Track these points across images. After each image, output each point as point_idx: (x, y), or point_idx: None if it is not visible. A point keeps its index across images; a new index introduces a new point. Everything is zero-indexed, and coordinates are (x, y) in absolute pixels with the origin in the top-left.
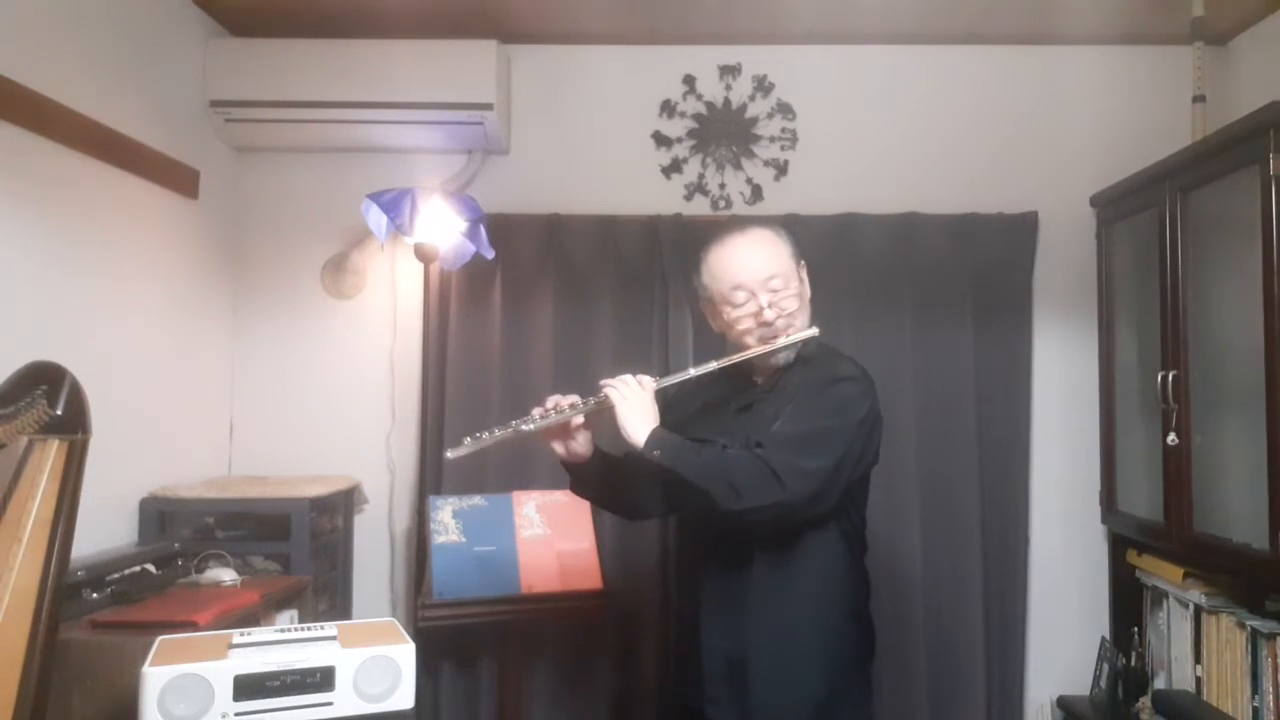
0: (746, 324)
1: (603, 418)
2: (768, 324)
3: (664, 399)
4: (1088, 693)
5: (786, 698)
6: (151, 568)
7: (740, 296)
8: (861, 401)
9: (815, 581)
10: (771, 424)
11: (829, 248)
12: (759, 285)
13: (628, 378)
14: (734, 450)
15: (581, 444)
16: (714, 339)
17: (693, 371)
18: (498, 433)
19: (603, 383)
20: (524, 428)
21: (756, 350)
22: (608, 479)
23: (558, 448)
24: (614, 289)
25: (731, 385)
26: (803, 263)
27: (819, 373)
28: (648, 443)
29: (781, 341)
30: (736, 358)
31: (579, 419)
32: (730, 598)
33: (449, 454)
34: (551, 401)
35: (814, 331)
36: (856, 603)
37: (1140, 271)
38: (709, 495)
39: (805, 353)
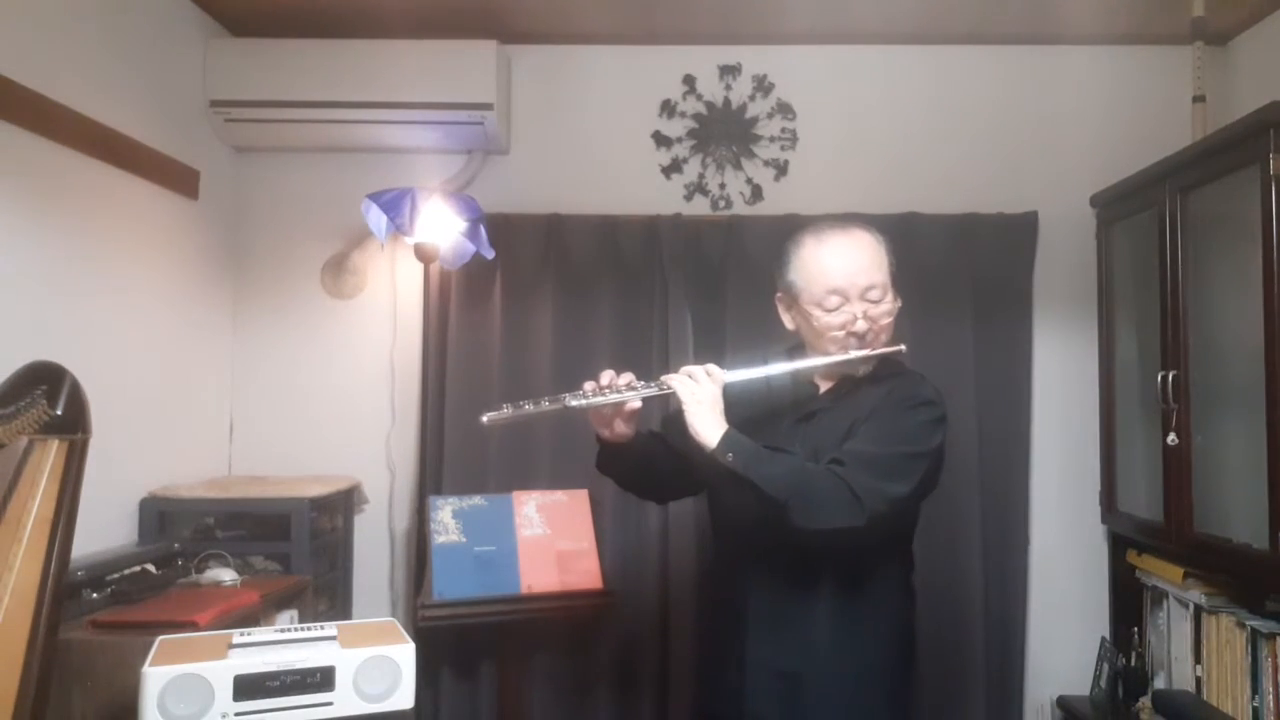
0: (834, 332)
1: (666, 408)
2: (859, 335)
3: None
4: (1088, 693)
5: None
6: (151, 568)
7: (834, 301)
8: (939, 427)
9: (881, 606)
10: (838, 436)
11: None
12: (857, 294)
13: (696, 370)
14: (813, 465)
15: (626, 427)
16: (715, 339)
17: (767, 369)
18: (545, 404)
19: (665, 377)
20: (573, 403)
21: (839, 358)
22: (641, 462)
23: (601, 429)
24: (614, 289)
25: (794, 390)
26: (894, 271)
27: (900, 392)
28: (721, 445)
29: (867, 352)
30: (815, 363)
31: (636, 404)
32: (788, 613)
33: (485, 418)
34: (606, 378)
35: (901, 348)
36: (910, 626)
37: (1140, 271)
38: (785, 508)
39: (883, 369)
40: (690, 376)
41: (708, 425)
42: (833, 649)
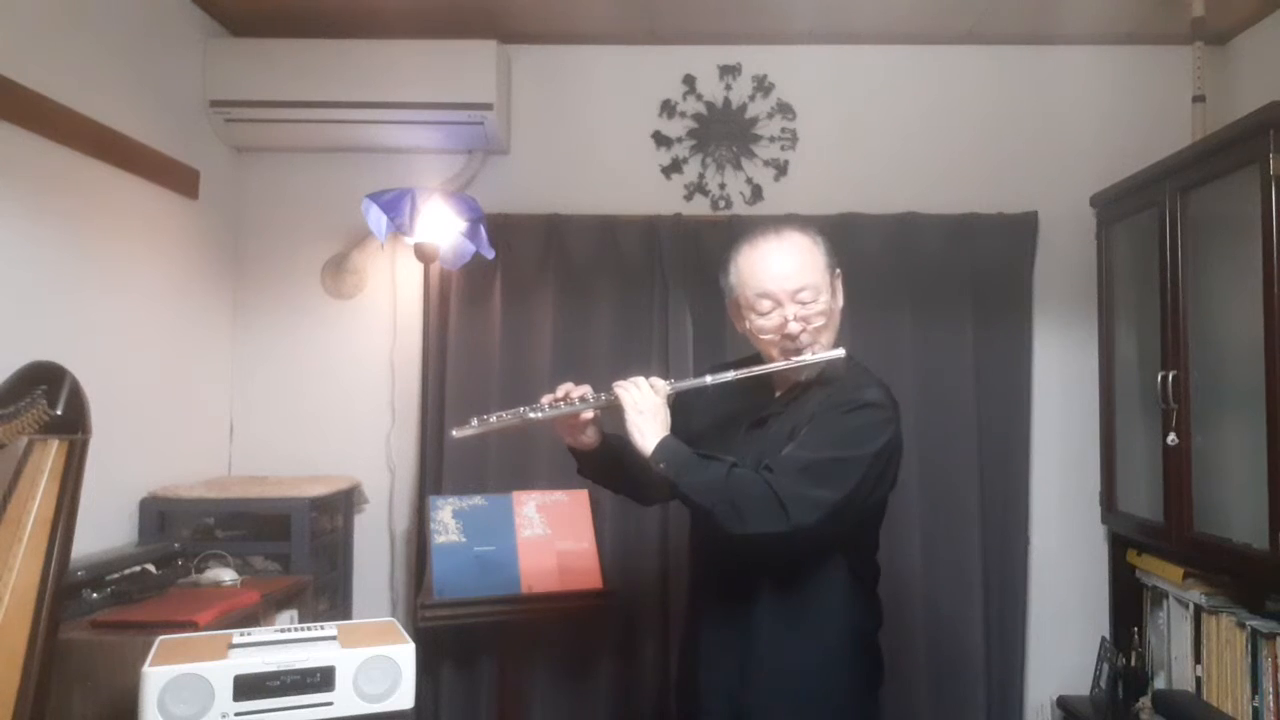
0: (769, 335)
1: (616, 414)
2: (791, 338)
3: (683, 404)
4: (1088, 693)
5: None
6: (151, 568)
7: (765, 305)
8: (880, 431)
9: (822, 620)
10: (781, 442)
11: None
12: (786, 296)
13: (640, 380)
14: (741, 471)
15: (589, 435)
16: (714, 339)
17: (709, 380)
18: (506, 416)
19: (616, 384)
20: (532, 415)
21: (775, 366)
22: (613, 467)
23: (565, 437)
24: (614, 289)
25: (750, 396)
26: (838, 272)
27: (840, 395)
28: (654, 453)
29: (804, 359)
30: (753, 370)
31: (587, 414)
32: (731, 638)
33: (454, 433)
34: (563, 390)
35: (839, 353)
36: (865, 635)
37: (1140, 271)
38: (712, 515)
39: (830, 371)
40: (635, 386)
41: (645, 434)
42: (777, 675)
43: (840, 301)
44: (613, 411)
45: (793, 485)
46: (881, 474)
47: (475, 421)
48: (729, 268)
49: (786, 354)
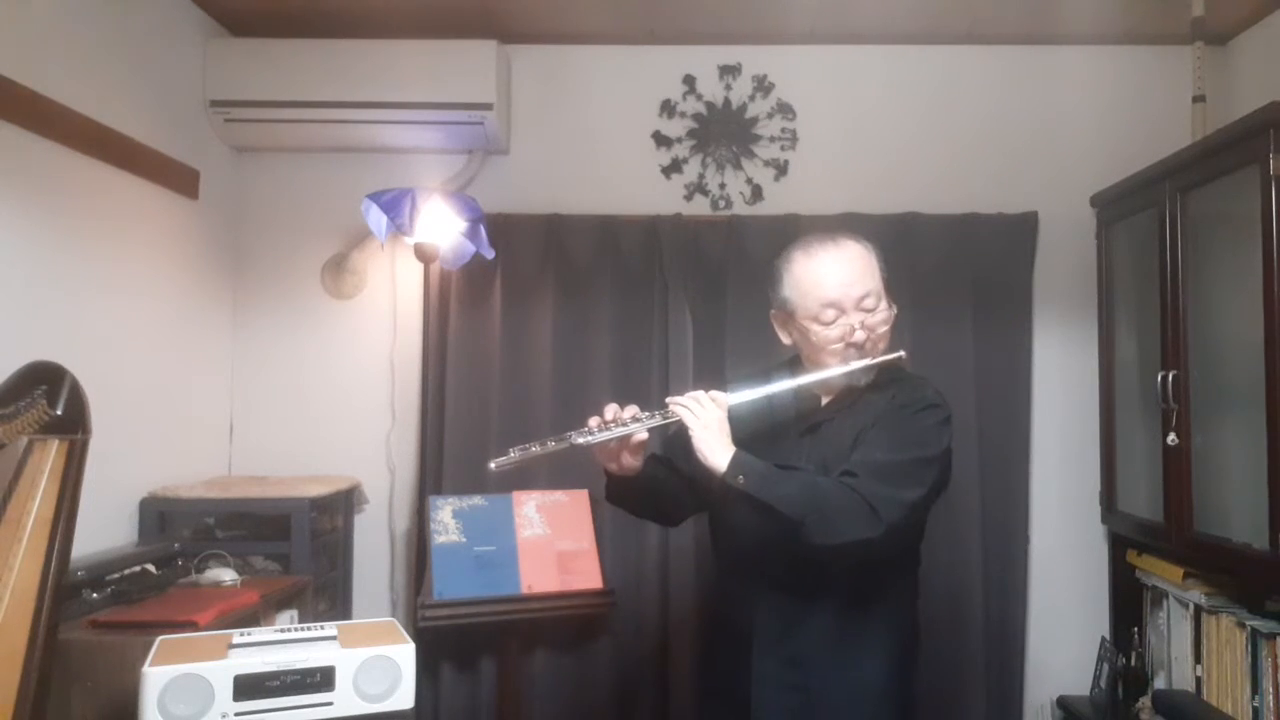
0: (834, 345)
1: (667, 434)
2: (858, 346)
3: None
4: (1088, 693)
5: None
6: (151, 568)
7: (830, 315)
8: (946, 429)
9: (891, 616)
10: (844, 447)
11: None
12: (852, 304)
13: (700, 395)
14: (824, 480)
15: (636, 458)
16: (715, 339)
17: (770, 389)
18: (551, 445)
19: (670, 400)
20: (579, 440)
21: (840, 369)
22: (653, 490)
23: (609, 463)
24: (614, 289)
25: (797, 404)
26: (886, 278)
27: (903, 397)
28: (731, 468)
29: (867, 362)
30: (817, 377)
31: (642, 435)
32: (795, 627)
33: (493, 465)
34: (610, 413)
35: (901, 355)
36: (916, 623)
37: (1140, 271)
38: (801, 526)
39: (885, 375)
40: (696, 401)
41: (715, 450)
42: (841, 661)
43: (895, 309)
44: (657, 430)
45: (879, 488)
46: (949, 470)
47: (514, 452)
48: (782, 278)
49: (844, 362)
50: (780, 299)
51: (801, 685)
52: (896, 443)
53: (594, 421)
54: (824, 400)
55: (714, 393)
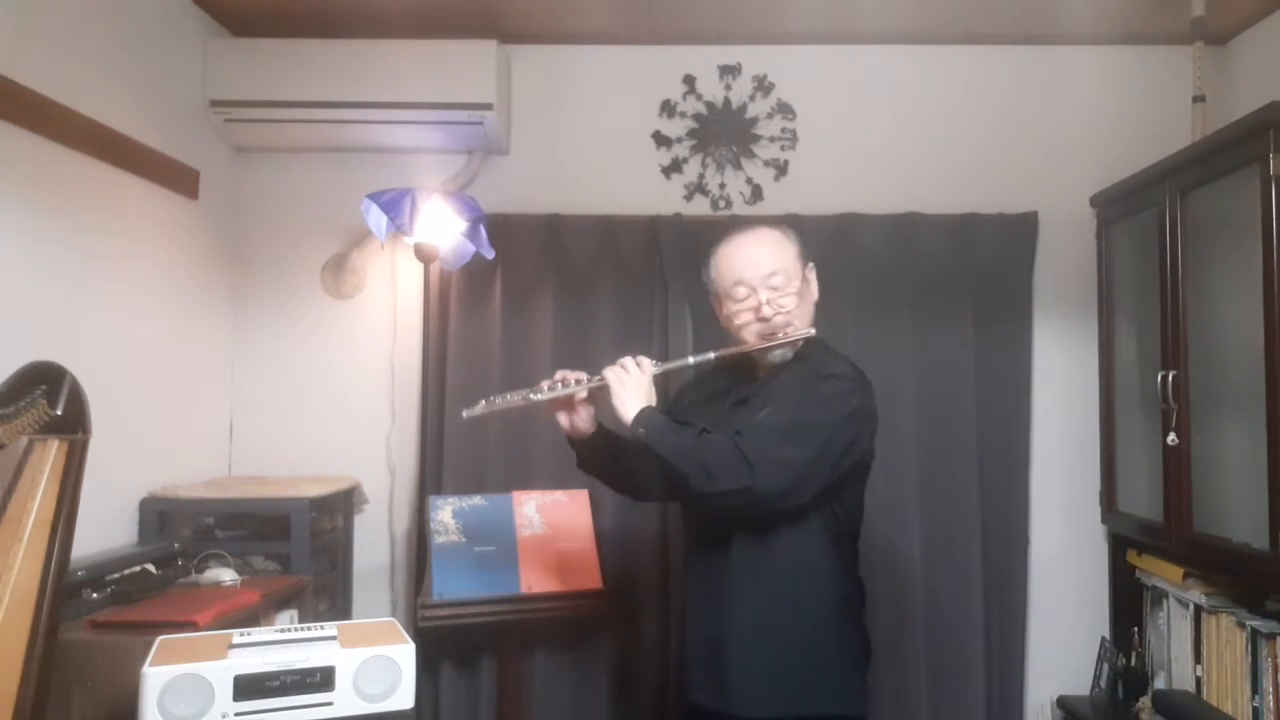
0: (745, 319)
1: (607, 398)
2: (765, 320)
3: (669, 390)
4: (1088, 693)
5: (763, 688)
6: (151, 568)
7: (741, 292)
8: (846, 398)
9: (798, 576)
10: (758, 415)
11: (829, 248)
12: (759, 282)
13: (627, 360)
14: (713, 435)
15: (584, 419)
16: (715, 337)
17: (691, 360)
18: (510, 397)
19: (606, 368)
20: (533, 396)
21: (751, 346)
22: (609, 456)
23: (562, 420)
24: (614, 289)
25: (733, 379)
26: (810, 265)
27: (809, 368)
28: (634, 420)
29: (777, 339)
30: (731, 351)
31: (582, 394)
32: (712, 583)
33: (464, 413)
34: (560, 375)
35: (810, 332)
36: (847, 604)
37: (1140, 271)
38: (685, 476)
39: (803, 352)
40: (622, 367)
41: (627, 404)
42: (750, 620)
43: (815, 293)
44: (608, 400)
45: (759, 446)
46: (852, 441)
47: (483, 403)
48: (709, 264)
49: (762, 338)
50: (709, 281)
51: (715, 639)
52: (788, 407)
53: (545, 383)
54: (760, 377)
55: (640, 358)
